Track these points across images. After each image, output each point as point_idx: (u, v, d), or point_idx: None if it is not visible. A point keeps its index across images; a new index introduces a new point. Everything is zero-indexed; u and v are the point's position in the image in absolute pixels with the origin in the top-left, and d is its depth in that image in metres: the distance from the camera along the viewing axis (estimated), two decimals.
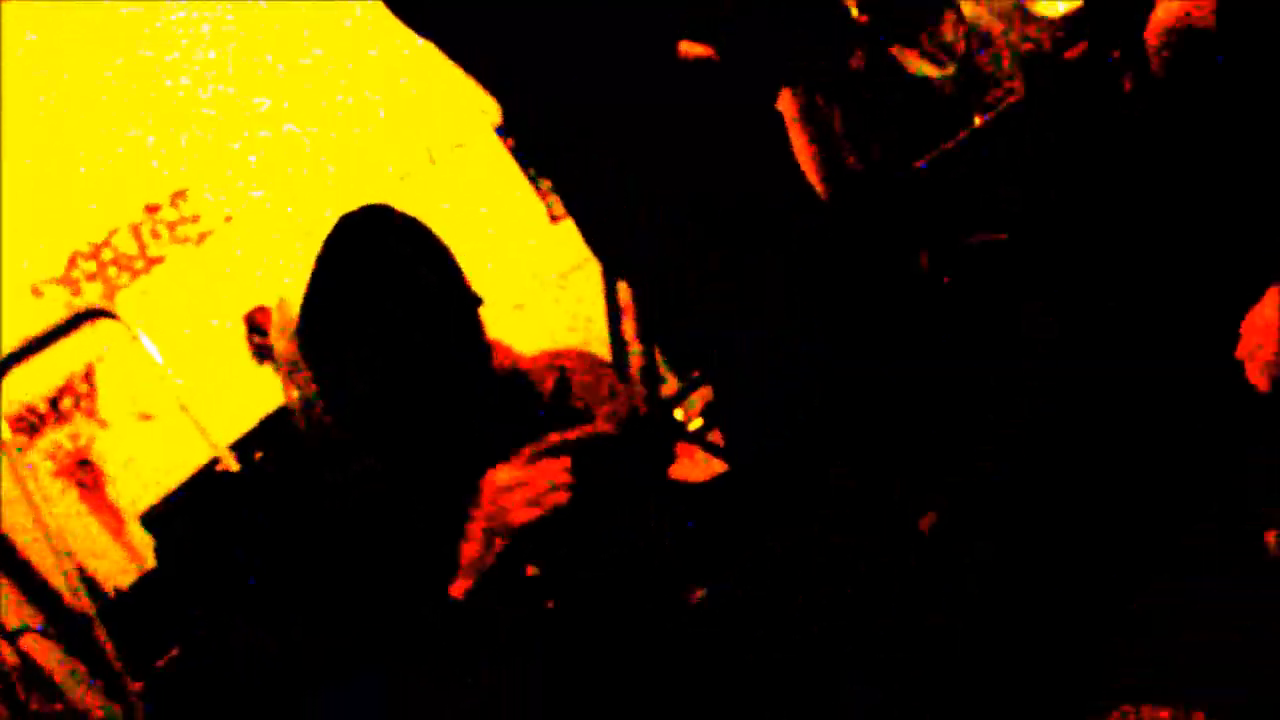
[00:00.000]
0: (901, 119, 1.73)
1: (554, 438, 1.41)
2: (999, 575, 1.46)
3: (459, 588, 1.36)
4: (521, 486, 1.37)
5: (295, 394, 1.40)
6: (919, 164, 1.62)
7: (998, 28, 1.68)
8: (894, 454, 1.60)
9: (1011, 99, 1.55)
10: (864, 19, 1.69)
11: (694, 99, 1.67)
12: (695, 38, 1.65)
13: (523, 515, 1.36)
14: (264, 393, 3.20)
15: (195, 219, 3.30)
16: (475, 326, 1.46)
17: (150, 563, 3.10)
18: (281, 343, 1.40)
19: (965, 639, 1.44)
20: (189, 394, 3.01)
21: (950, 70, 1.56)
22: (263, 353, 3.23)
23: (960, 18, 1.55)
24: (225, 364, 3.24)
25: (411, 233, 1.44)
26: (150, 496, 3.07)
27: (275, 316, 1.43)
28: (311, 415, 1.41)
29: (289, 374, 1.41)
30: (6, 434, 2.94)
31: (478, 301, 1.46)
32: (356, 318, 1.39)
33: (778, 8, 1.68)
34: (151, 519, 2.98)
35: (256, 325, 3.20)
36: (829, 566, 1.51)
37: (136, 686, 2.60)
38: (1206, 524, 1.38)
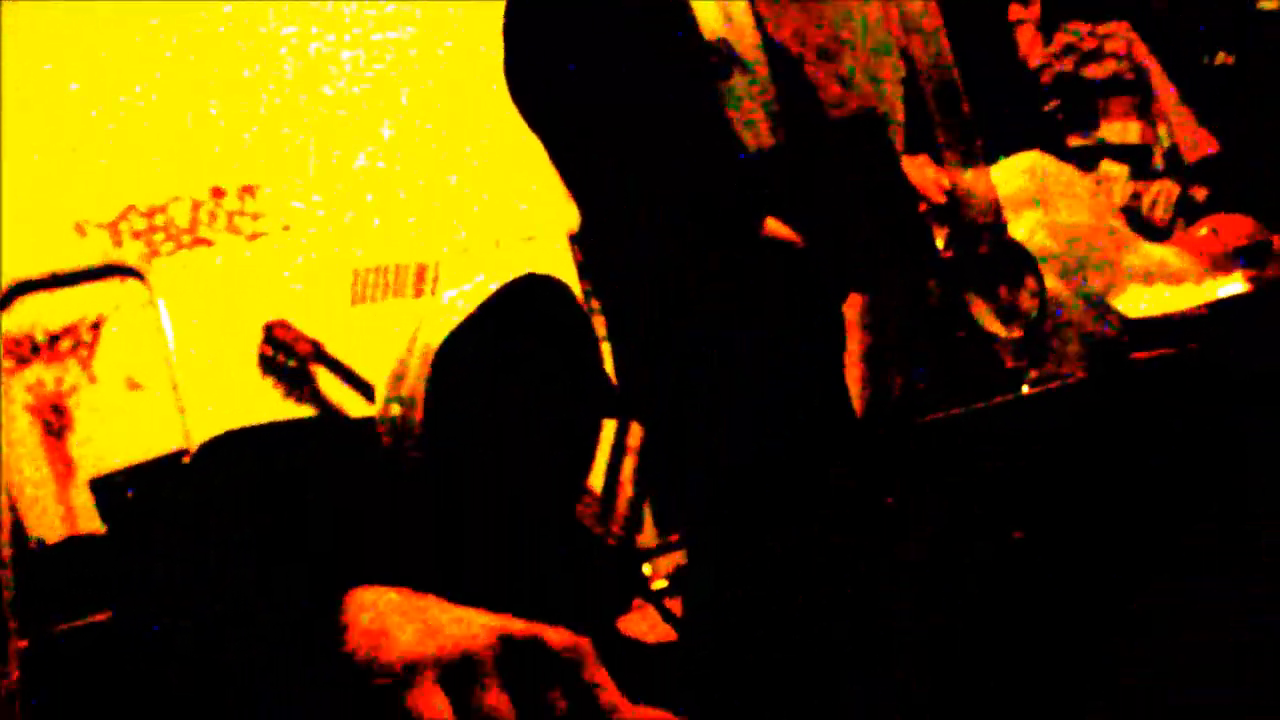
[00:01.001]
0: (953, 365, 1.77)
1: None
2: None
3: None
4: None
5: (396, 409, 1.43)
6: (954, 412, 1.66)
7: (1075, 310, 1.74)
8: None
9: (1069, 380, 1.60)
10: (948, 254, 1.75)
11: (769, 272, 1.72)
12: (785, 220, 1.71)
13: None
14: (257, 403, 3.24)
15: (255, 217, 3.38)
16: (591, 435, 1.50)
17: (82, 527, 3.11)
18: (411, 356, 1.43)
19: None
20: (184, 378, 3.06)
21: (1016, 334, 1.61)
22: (271, 365, 3.27)
23: (1040, 287, 1.61)
24: (230, 363, 3.28)
25: (578, 321, 1.48)
26: (108, 464, 3.09)
27: (417, 321, 1.47)
28: (399, 435, 1.43)
29: (397, 384, 1.44)
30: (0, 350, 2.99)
31: (609, 409, 1.50)
32: (495, 384, 1.43)
33: (874, 218, 1.74)
34: (100, 485, 3.00)
35: (274, 337, 3.25)
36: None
37: (21, 645, 2.58)
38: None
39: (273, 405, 3.27)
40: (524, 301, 1.46)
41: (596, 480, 3.09)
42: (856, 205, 1.73)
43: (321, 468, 1.46)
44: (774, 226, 1.71)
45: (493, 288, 1.45)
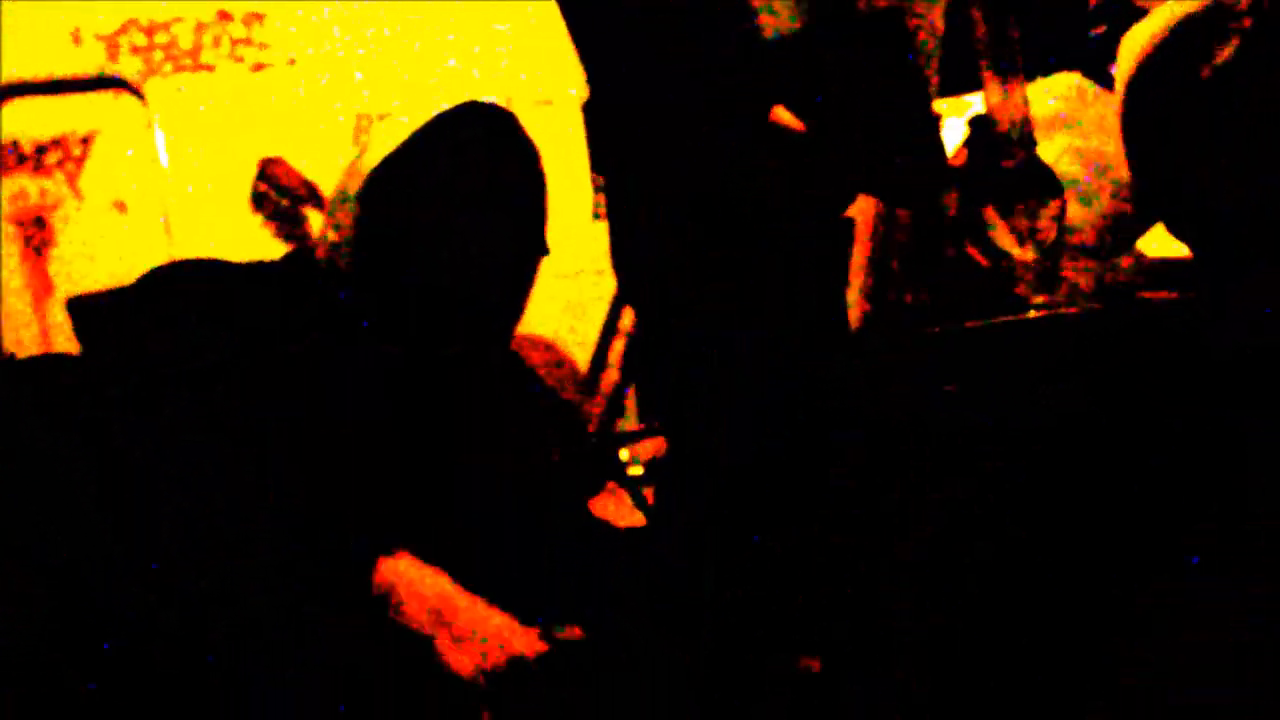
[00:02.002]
0: (959, 279, 1.78)
1: None
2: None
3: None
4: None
5: (333, 233, 1.44)
6: (952, 327, 1.68)
7: (1091, 240, 1.75)
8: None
9: (1071, 309, 1.61)
10: (960, 161, 1.74)
11: (771, 163, 1.72)
12: (795, 109, 1.70)
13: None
14: (244, 239, 3.24)
15: (262, 46, 3.34)
16: (529, 274, 1.52)
17: (56, 345, 3.13)
18: (350, 179, 1.44)
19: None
20: (174, 205, 3.06)
21: (1030, 256, 1.61)
22: (263, 202, 3.27)
23: (1062, 211, 1.61)
24: (221, 196, 3.27)
25: (524, 156, 1.49)
26: (88, 284, 3.09)
27: (355, 143, 1.48)
28: (336, 259, 1.45)
29: (335, 209, 1.45)
30: None
31: (541, 251, 1.51)
32: (429, 203, 1.44)
33: (885, 114, 1.73)
34: (78, 305, 3.01)
35: (268, 174, 3.23)
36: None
37: None
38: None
39: (261, 243, 3.27)
40: (470, 134, 1.47)
41: (583, 357, 3.12)
42: (874, 103, 1.72)
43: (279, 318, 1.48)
44: (782, 115, 1.70)
45: (432, 115, 1.46)
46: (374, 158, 1.46)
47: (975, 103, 1.79)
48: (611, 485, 2.41)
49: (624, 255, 1.86)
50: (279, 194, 3.23)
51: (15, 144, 3.17)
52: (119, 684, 1.30)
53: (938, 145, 1.78)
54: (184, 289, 1.51)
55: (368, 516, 1.39)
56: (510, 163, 1.49)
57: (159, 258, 3.02)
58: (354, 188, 1.46)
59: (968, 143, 1.73)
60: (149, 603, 1.32)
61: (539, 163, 1.52)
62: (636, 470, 2.48)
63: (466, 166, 1.46)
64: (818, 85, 1.73)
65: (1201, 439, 1.43)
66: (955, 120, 1.84)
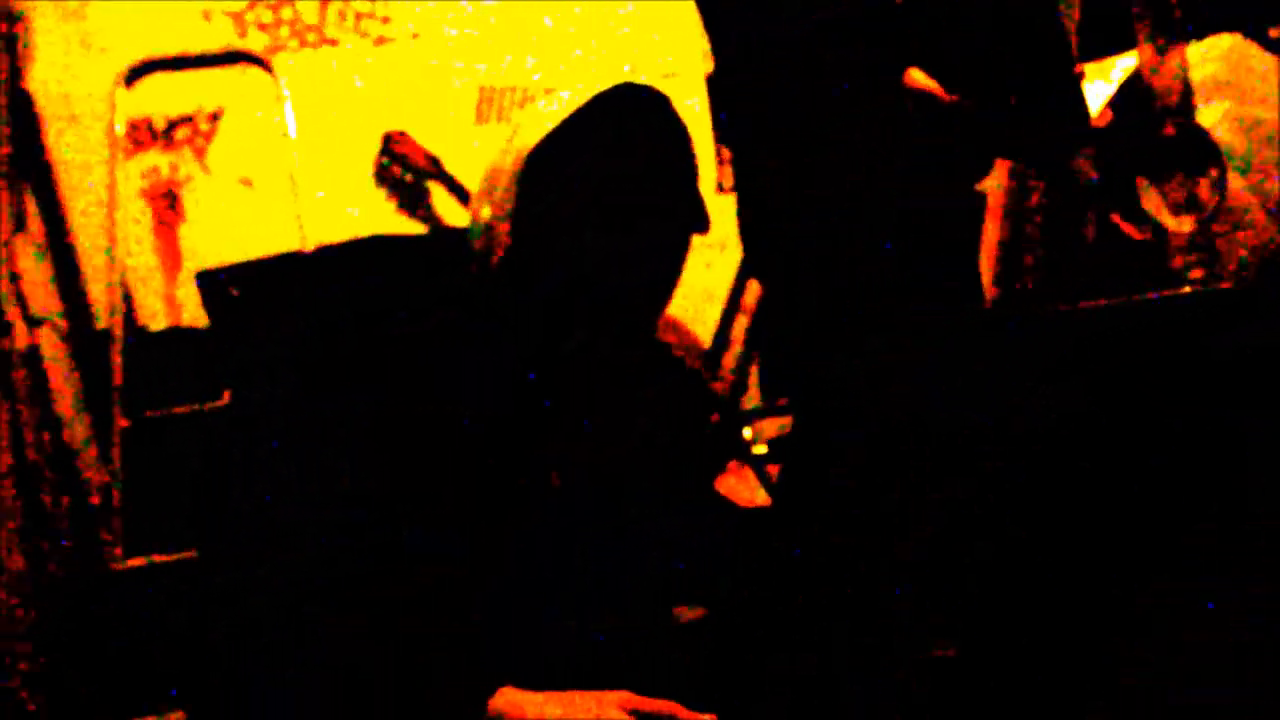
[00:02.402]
0: (1103, 253, 1.72)
1: None
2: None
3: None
4: None
5: (486, 212, 1.44)
6: (1102, 303, 1.62)
7: (1250, 213, 1.67)
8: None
9: (1224, 284, 1.54)
10: (1104, 121, 1.68)
11: (904, 128, 1.68)
12: (930, 70, 1.66)
13: None
14: (367, 213, 3.28)
15: (385, 20, 3.37)
16: (684, 255, 1.51)
17: (185, 319, 3.21)
18: (505, 157, 1.44)
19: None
20: (301, 179, 3.10)
21: (1187, 228, 1.55)
22: (386, 177, 3.30)
23: (1222, 182, 1.54)
24: (344, 170, 3.32)
25: (680, 136, 1.48)
26: (215, 258, 3.16)
27: (512, 127, 1.48)
28: (490, 238, 1.45)
29: (490, 188, 1.45)
30: (121, 130, 3.05)
31: (701, 228, 1.50)
32: (590, 185, 1.44)
33: (1026, 76, 1.68)
34: (206, 279, 3.08)
35: (392, 148, 3.26)
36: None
37: (125, 424, 2.71)
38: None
39: (384, 217, 3.30)
40: (625, 114, 1.46)
41: (705, 333, 3.09)
42: (1009, 63, 1.67)
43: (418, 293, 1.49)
44: (917, 78, 1.66)
45: (590, 95, 1.45)
46: (529, 137, 1.46)
47: (1120, 64, 1.73)
48: (735, 464, 2.40)
49: (753, 228, 1.84)
50: (402, 168, 3.25)
51: (148, 121, 3.25)
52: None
53: (1080, 106, 1.72)
54: (314, 266, 1.53)
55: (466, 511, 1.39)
56: (667, 143, 1.48)
57: (285, 232, 3.10)
58: (510, 166, 1.46)
59: (1113, 105, 1.67)
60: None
61: (692, 142, 1.51)
62: (760, 449, 2.46)
63: (625, 148, 1.45)
64: (952, 46, 1.69)
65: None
66: (1099, 84, 1.78)
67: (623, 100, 1.46)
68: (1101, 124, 1.73)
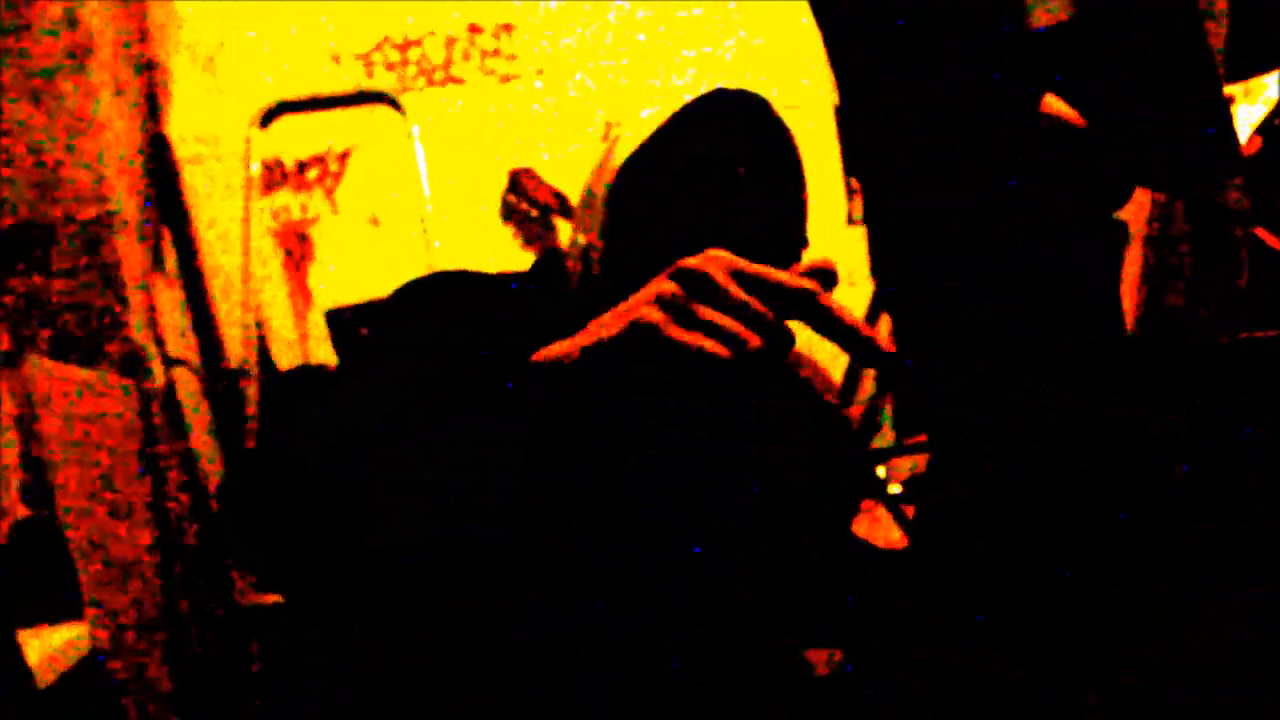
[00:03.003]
0: (1255, 284, 1.67)
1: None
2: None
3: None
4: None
5: (582, 236, 1.43)
6: (1259, 336, 1.57)
7: None
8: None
9: None
10: (1253, 149, 1.63)
11: (1041, 157, 1.66)
12: (1068, 100, 1.63)
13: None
14: (494, 249, 3.34)
15: (510, 58, 3.44)
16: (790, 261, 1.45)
17: (314, 357, 3.30)
18: (596, 177, 1.42)
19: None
20: (430, 216, 3.17)
21: None
22: (512, 213, 3.35)
23: None
24: (470, 206, 3.38)
25: (780, 140, 1.43)
26: (343, 297, 3.25)
27: (603, 150, 1.45)
28: (587, 261, 1.43)
29: (584, 209, 1.43)
30: (256, 172, 3.15)
31: (800, 244, 1.45)
32: (682, 194, 1.40)
33: (1169, 101, 1.65)
34: (335, 317, 3.17)
35: (518, 185, 3.31)
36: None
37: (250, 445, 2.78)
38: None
39: (511, 254, 3.36)
40: (720, 120, 1.42)
41: (836, 371, 3.07)
42: (1152, 88, 1.64)
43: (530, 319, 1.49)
44: (1054, 105, 1.64)
45: (685, 101, 1.40)
46: (621, 154, 1.43)
47: (1272, 85, 1.69)
48: (869, 503, 2.37)
49: (886, 260, 1.83)
50: (529, 205, 3.30)
51: (279, 162, 3.36)
52: None
53: (1227, 131, 1.68)
54: (431, 301, 1.53)
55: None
56: (766, 148, 1.44)
57: (414, 269, 3.17)
58: (601, 185, 1.43)
59: (1262, 129, 1.63)
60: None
61: (795, 147, 1.46)
62: (895, 488, 2.43)
63: (720, 154, 1.41)
64: (1092, 73, 1.67)
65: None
66: (1247, 108, 1.74)
67: (717, 106, 1.42)
68: (1251, 151, 1.69)
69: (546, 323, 1.48)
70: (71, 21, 2.53)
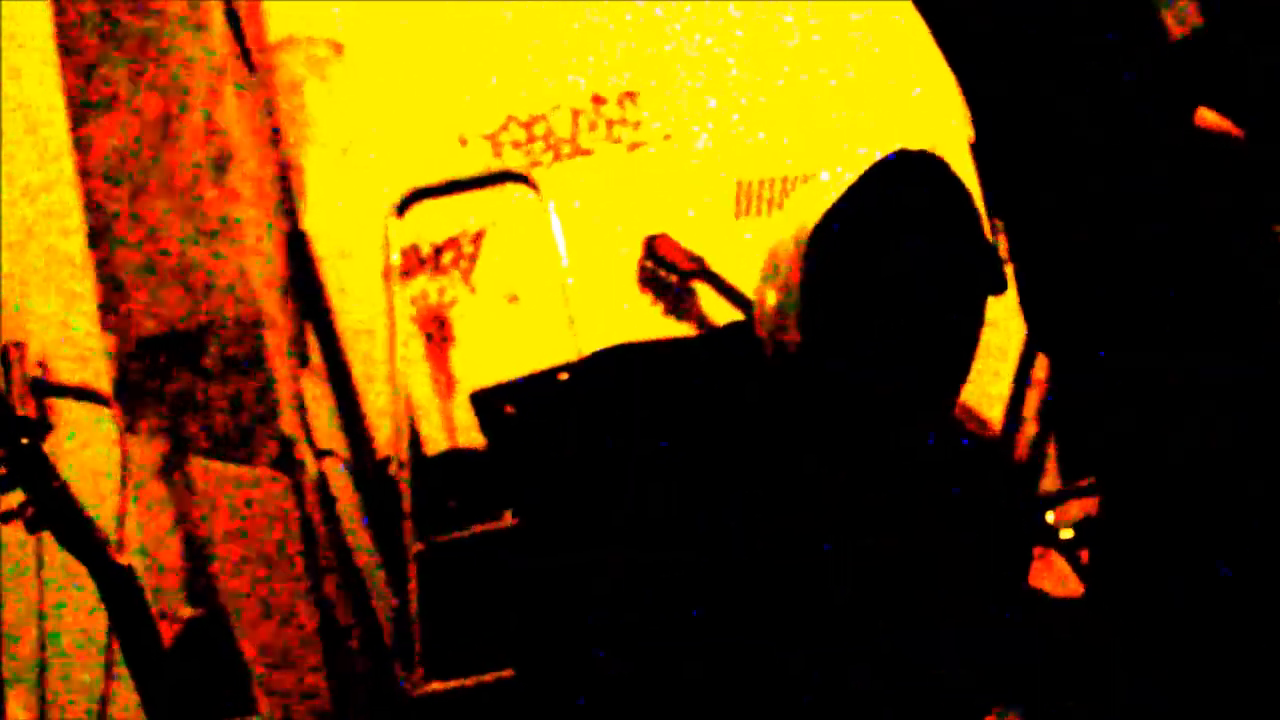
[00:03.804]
0: None
1: None
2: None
3: None
4: None
5: (772, 297, 1.46)
6: None
7: None
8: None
9: None
10: None
11: (1195, 174, 1.63)
12: (1223, 109, 1.60)
13: None
14: (635, 320, 3.37)
15: (636, 125, 3.49)
16: (978, 318, 1.48)
17: (461, 440, 3.36)
18: (787, 237, 1.46)
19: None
20: (573, 290, 3.20)
21: None
22: (650, 280, 3.38)
23: None
24: (608, 278, 3.42)
25: (961, 199, 1.46)
26: (485, 378, 3.30)
27: (793, 204, 1.50)
28: (778, 328, 1.46)
29: (775, 273, 1.47)
30: (396, 260, 3.24)
31: (999, 289, 1.47)
32: (879, 259, 1.43)
33: None
34: (480, 399, 3.22)
35: (655, 251, 3.34)
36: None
37: (418, 547, 2.84)
38: None
39: (652, 322, 3.38)
40: (903, 182, 1.44)
41: (994, 414, 3.02)
42: None
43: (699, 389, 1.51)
44: (1208, 118, 1.60)
45: (866, 166, 1.44)
46: (810, 215, 1.46)
47: None
48: (1039, 550, 2.32)
49: (1035, 298, 1.80)
50: (666, 270, 3.33)
51: (415, 248, 3.45)
52: None
53: None
54: (622, 373, 1.56)
55: None
56: (949, 208, 1.46)
57: (555, 345, 3.21)
58: (794, 245, 1.46)
59: None
60: None
61: (974, 203, 1.49)
62: (1067, 533, 2.37)
63: (909, 218, 1.44)
64: (1241, 83, 1.63)
65: None
66: None
67: (901, 169, 1.45)
68: None
69: (742, 393, 1.50)
70: (211, 130, 2.65)
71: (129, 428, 2.37)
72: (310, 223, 3.39)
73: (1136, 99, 1.66)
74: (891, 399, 1.44)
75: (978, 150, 1.72)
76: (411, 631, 2.79)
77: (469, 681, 2.69)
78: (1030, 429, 2.94)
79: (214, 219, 2.66)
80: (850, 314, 1.42)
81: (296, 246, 3.31)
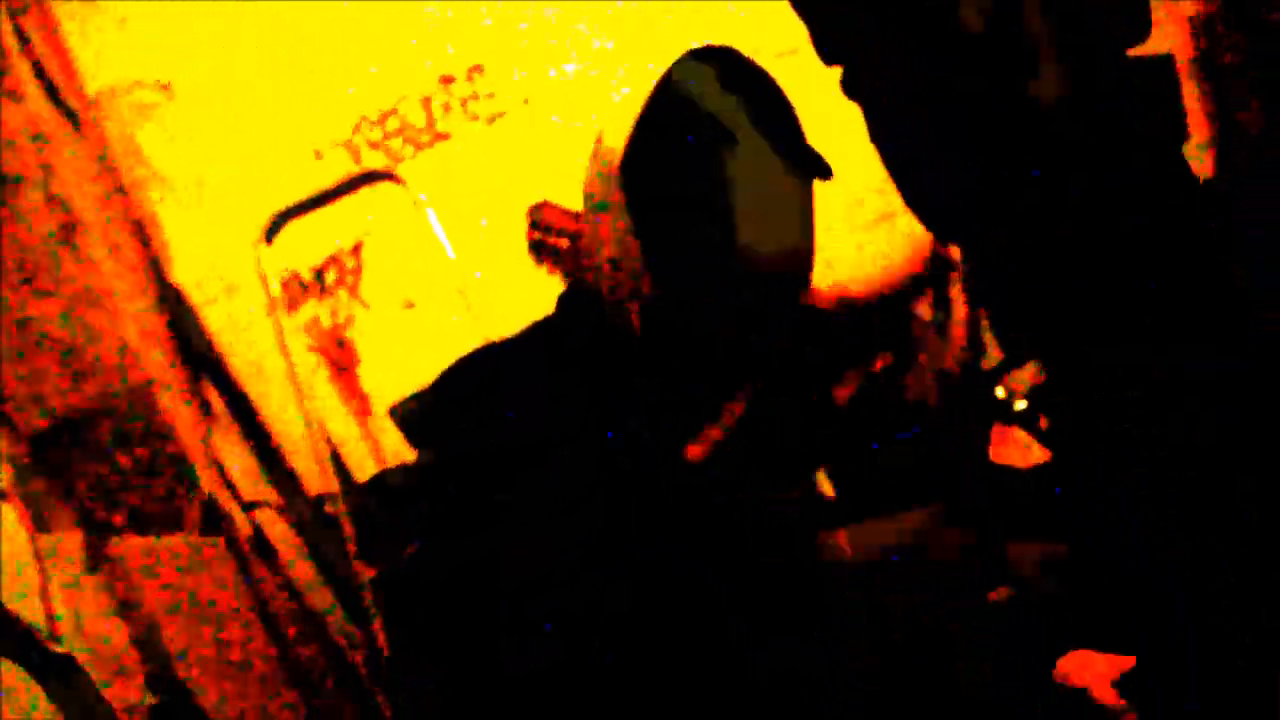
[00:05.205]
0: None
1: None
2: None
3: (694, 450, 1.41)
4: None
5: (611, 248, 1.45)
6: None
7: None
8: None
9: None
10: None
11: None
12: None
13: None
14: (536, 292, 3.35)
15: (490, 96, 3.46)
16: (807, 208, 1.49)
17: (391, 460, 3.32)
18: (597, 184, 1.45)
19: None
20: (467, 279, 3.18)
21: None
22: (541, 250, 3.36)
23: None
24: (498, 256, 3.40)
25: (763, 86, 1.47)
26: (400, 390, 3.27)
27: (593, 151, 1.48)
28: (621, 272, 1.45)
29: (595, 218, 1.46)
30: (276, 290, 3.19)
31: (823, 173, 1.48)
32: (686, 169, 1.43)
33: None
34: (400, 412, 3.19)
35: (539, 221, 3.33)
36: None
37: (369, 574, 2.81)
38: None
39: (554, 290, 3.36)
40: (706, 86, 1.45)
41: (923, 306, 3.05)
42: None
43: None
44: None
45: (662, 72, 1.44)
46: (613, 143, 1.46)
47: None
48: (998, 428, 2.34)
49: (1019, 296, 1.79)
50: (556, 236, 3.31)
51: (295, 275, 3.40)
52: None
53: None
54: (473, 377, 1.56)
55: None
56: (754, 97, 1.47)
57: (465, 338, 3.19)
58: (606, 191, 1.46)
59: None
60: None
61: (782, 92, 1.49)
62: (1021, 404, 2.40)
63: (713, 116, 1.44)
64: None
65: None
66: None
67: (691, 69, 1.45)
68: None
69: (586, 355, 1.50)
70: (53, 201, 2.58)
71: (41, 527, 2.31)
72: (180, 272, 3.32)
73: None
74: (730, 303, 1.45)
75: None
76: (380, 660, 2.77)
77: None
78: (959, 311, 2.96)
79: (78, 292, 2.59)
80: (678, 230, 1.42)
81: (173, 300, 3.25)
